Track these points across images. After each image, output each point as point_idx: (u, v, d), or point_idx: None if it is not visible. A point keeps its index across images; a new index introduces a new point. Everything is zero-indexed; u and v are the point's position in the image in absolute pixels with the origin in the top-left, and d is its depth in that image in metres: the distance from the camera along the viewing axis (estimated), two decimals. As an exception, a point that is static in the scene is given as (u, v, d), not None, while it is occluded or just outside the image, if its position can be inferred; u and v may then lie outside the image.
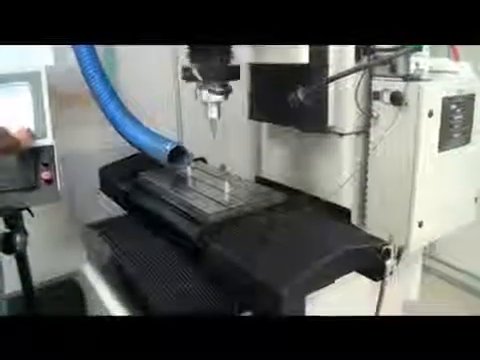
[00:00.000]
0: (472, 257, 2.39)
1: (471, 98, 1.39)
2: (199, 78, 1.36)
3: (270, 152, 1.80)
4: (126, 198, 1.64)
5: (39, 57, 1.38)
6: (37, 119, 1.35)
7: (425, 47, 1.29)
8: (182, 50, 1.40)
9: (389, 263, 1.14)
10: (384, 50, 1.31)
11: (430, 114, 1.26)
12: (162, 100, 2.16)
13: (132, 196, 1.63)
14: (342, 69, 1.30)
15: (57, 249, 1.92)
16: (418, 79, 1.29)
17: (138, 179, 1.70)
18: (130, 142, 1.58)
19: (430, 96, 1.26)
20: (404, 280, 1.57)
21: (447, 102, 1.30)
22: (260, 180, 1.81)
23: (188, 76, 1.39)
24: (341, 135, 1.44)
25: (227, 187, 1.50)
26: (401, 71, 1.32)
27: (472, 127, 1.43)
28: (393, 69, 1.34)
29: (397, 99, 1.27)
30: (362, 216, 1.48)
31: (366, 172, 1.44)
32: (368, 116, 1.38)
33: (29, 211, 1.42)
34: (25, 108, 1.34)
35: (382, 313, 1.20)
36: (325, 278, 1.07)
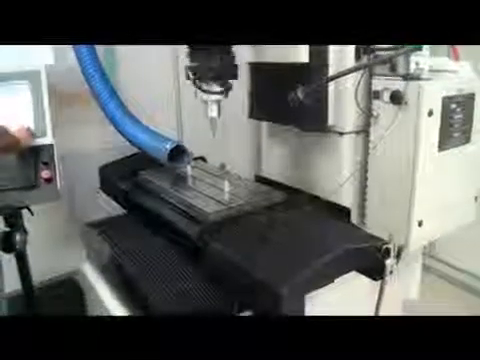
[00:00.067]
0: (472, 257, 2.39)
1: (471, 97, 1.39)
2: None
3: (270, 151, 1.80)
4: (126, 197, 1.64)
5: (39, 56, 1.39)
6: (37, 118, 1.35)
7: (425, 47, 1.29)
8: (182, 50, 1.40)
9: (389, 262, 1.15)
10: (384, 49, 1.30)
11: (430, 113, 1.26)
12: (162, 99, 2.16)
13: (132, 195, 1.63)
14: (342, 68, 1.30)
15: (57, 248, 1.92)
16: (418, 78, 1.29)
17: (138, 178, 1.70)
18: (130, 141, 1.58)
19: (430, 95, 1.26)
20: (404, 279, 1.57)
21: (447, 101, 1.30)
22: (260, 179, 1.81)
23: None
24: (341, 134, 1.44)
25: (227, 186, 1.50)
26: (401, 70, 1.32)
27: (472, 126, 1.43)
28: (393, 68, 1.34)
29: (397, 98, 1.27)
30: (362, 215, 1.48)
31: (366, 171, 1.44)
32: (368, 115, 1.38)
33: (29, 210, 1.42)
34: (25, 107, 1.34)
35: (382, 312, 1.20)
36: (325, 277, 1.07)
